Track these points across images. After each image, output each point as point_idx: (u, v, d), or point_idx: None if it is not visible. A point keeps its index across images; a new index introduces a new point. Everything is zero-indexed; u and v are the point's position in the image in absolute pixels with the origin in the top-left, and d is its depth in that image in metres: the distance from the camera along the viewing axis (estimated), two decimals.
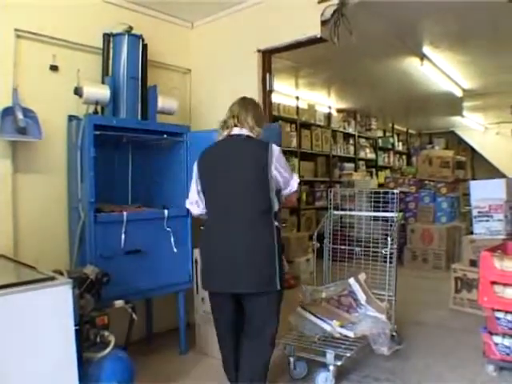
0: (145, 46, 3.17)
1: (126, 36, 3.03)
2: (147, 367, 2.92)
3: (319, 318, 2.82)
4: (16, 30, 2.83)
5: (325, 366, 2.66)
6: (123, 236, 2.81)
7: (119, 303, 2.38)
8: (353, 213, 3.62)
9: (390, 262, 3.04)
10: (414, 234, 6.29)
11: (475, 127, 10.31)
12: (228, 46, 3.64)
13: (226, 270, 2.22)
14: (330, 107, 7.81)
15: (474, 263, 4.08)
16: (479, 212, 4.22)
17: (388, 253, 3.02)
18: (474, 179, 6.97)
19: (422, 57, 4.98)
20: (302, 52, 3.53)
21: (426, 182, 6.82)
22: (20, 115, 2.71)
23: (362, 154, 8.83)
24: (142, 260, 2.90)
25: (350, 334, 2.76)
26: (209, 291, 2.45)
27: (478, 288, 2.99)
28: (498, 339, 2.82)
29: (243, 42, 3.48)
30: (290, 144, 6.49)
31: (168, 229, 3.05)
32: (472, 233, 4.39)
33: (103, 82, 3.02)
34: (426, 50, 4.80)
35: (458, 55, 5.02)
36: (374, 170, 9.20)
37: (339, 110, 8.20)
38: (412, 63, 5.16)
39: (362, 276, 3.22)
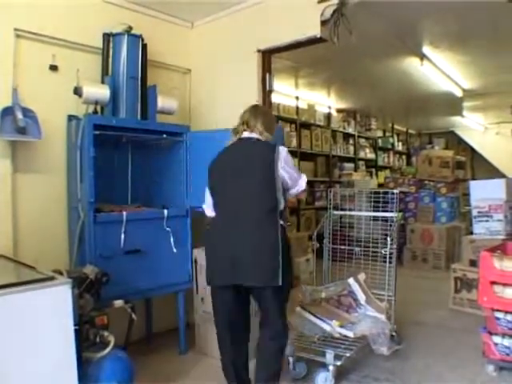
0: (144, 46, 3.17)
1: (126, 36, 3.03)
2: (147, 367, 2.92)
3: (319, 318, 2.82)
4: (16, 29, 2.83)
5: (324, 366, 2.67)
6: (123, 236, 2.81)
7: (119, 303, 2.38)
8: (352, 213, 3.62)
9: (390, 262, 3.04)
10: (414, 234, 6.29)
11: (475, 127, 10.30)
12: (228, 46, 3.63)
13: (230, 264, 2.24)
14: (329, 107, 7.81)
15: (473, 263, 4.08)
16: (479, 212, 4.22)
17: (388, 253, 3.02)
18: (473, 179, 6.96)
19: (422, 57, 4.98)
20: (301, 52, 3.53)
21: (426, 182, 6.82)
22: (20, 115, 2.71)
23: (361, 154, 8.83)
24: (142, 260, 2.90)
25: (350, 334, 2.75)
26: (211, 287, 2.44)
27: (477, 288, 2.99)
28: (497, 339, 2.82)
29: (243, 42, 3.48)
30: (289, 144, 6.49)
31: (168, 229, 3.05)
32: (472, 233, 4.39)
33: (103, 82, 3.02)
34: (426, 49, 4.80)
35: (457, 55, 5.02)
36: (373, 169, 9.20)
37: (339, 110, 8.20)
38: (412, 63, 5.16)
39: (362, 276, 3.22)
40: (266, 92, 3.44)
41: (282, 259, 2.21)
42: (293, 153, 6.55)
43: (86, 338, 2.07)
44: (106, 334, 2.12)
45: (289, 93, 6.64)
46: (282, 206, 2.32)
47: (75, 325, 1.85)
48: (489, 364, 2.85)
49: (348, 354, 2.73)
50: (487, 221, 4.17)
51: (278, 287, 2.23)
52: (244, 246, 2.23)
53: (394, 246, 3.06)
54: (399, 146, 10.63)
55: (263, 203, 2.26)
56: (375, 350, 2.80)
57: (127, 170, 3.41)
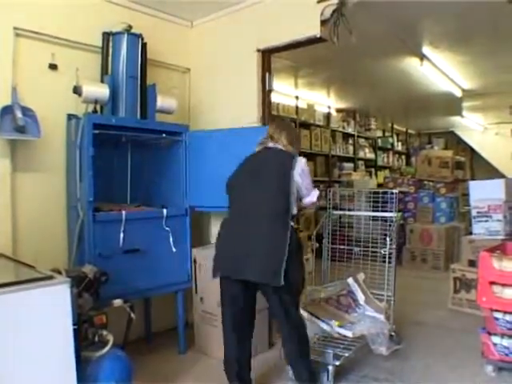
0: (144, 45, 3.16)
1: (126, 35, 3.02)
2: (145, 367, 2.91)
3: (318, 317, 2.82)
4: (15, 28, 2.83)
5: (323, 365, 2.66)
6: (122, 235, 2.80)
7: (118, 302, 2.38)
8: (352, 213, 3.62)
9: (389, 262, 3.04)
10: (413, 234, 6.29)
11: (474, 127, 10.31)
12: (227, 46, 3.63)
13: (238, 259, 2.32)
14: (329, 107, 7.81)
15: (472, 263, 4.08)
16: (478, 212, 4.22)
17: (387, 253, 3.03)
18: (473, 179, 6.97)
19: (422, 57, 4.98)
20: (301, 52, 3.52)
21: (425, 182, 6.82)
22: (19, 114, 2.70)
23: (361, 154, 8.83)
24: (141, 259, 2.90)
25: (349, 334, 2.75)
26: (220, 279, 2.47)
27: (476, 288, 2.99)
28: (496, 339, 2.82)
29: (243, 42, 3.48)
30: None
31: (167, 228, 3.05)
32: (471, 233, 4.39)
33: (102, 81, 3.02)
34: (426, 50, 4.80)
35: (457, 55, 5.02)
36: (373, 169, 9.20)
37: (338, 110, 8.20)
38: (412, 63, 5.16)
39: (361, 276, 3.23)
40: (266, 92, 3.44)
41: (289, 259, 2.26)
42: None
43: (84, 338, 2.07)
44: (104, 333, 2.12)
45: (288, 92, 6.64)
46: (294, 211, 2.39)
47: (74, 324, 1.85)
48: (488, 364, 2.85)
49: (347, 354, 2.73)
50: (486, 221, 4.17)
51: (282, 287, 2.26)
52: (253, 244, 2.31)
53: (394, 246, 3.06)
54: (399, 146, 10.63)
55: (276, 204, 2.35)
56: (374, 349, 2.80)
57: (126, 170, 3.40)
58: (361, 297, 3.09)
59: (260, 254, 2.29)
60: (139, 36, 3.11)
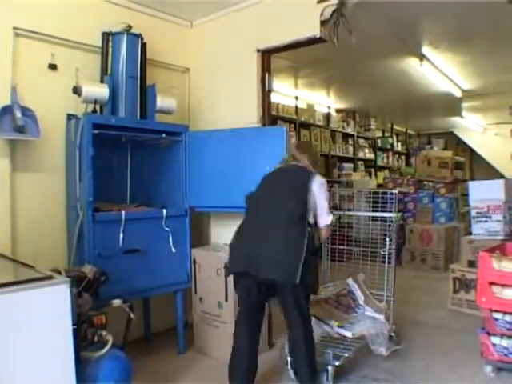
0: (144, 45, 3.16)
1: (125, 35, 3.02)
2: (145, 367, 2.91)
3: (318, 318, 2.82)
4: (15, 28, 2.82)
5: (323, 365, 2.66)
6: (121, 235, 2.80)
7: (117, 302, 2.38)
8: (351, 213, 3.62)
9: (389, 263, 3.05)
10: (413, 234, 6.29)
11: (474, 128, 10.31)
12: (227, 46, 3.63)
13: (253, 256, 2.38)
14: (329, 107, 7.82)
15: (472, 264, 4.08)
16: (478, 212, 4.22)
17: (386, 253, 3.03)
18: (472, 180, 6.98)
19: (422, 57, 4.98)
20: (301, 52, 3.52)
21: (425, 182, 6.82)
22: (18, 114, 2.70)
23: (360, 154, 8.83)
24: (141, 259, 2.90)
25: (349, 335, 2.76)
26: (234, 276, 2.52)
27: (476, 288, 2.99)
28: (495, 340, 2.82)
29: (242, 42, 3.48)
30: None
31: (167, 228, 3.05)
32: (470, 233, 4.39)
33: (102, 81, 3.02)
34: (426, 50, 4.80)
35: (457, 56, 5.02)
36: (372, 170, 9.21)
37: (338, 110, 8.21)
38: (411, 63, 5.16)
39: (361, 276, 3.22)
40: (266, 92, 3.44)
41: (305, 260, 2.30)
42: None
43: (84, 338, 2.07)
44: (104, 333, 2.12)
45: (288, 93, 6.64)
46: (311, 219, 2.46)
47: (73, 324, 1.85)
48: (487, 365, 2.85)
49: (347, 355, 2.73)
50: (486, 221, 4.17)
51: (299, 285, 2.30)
52: (269, 243, 2.37)
53: (393, 247, 3.07)
54: (398, 147, 10.63)
55: (293, 210, 2.42)
56: (374, 350, 2.80)
57: (126, 170, 3.40)
58: (360, 297, 3.09)
59: (276, 253, 2.35)
60: (139, 36, 3.11)
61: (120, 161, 3.38)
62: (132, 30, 3.06)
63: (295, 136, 6.70)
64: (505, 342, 2.79)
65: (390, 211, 3.20)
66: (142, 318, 3.42)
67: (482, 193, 4.25)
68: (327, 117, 7.73)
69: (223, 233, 3.59)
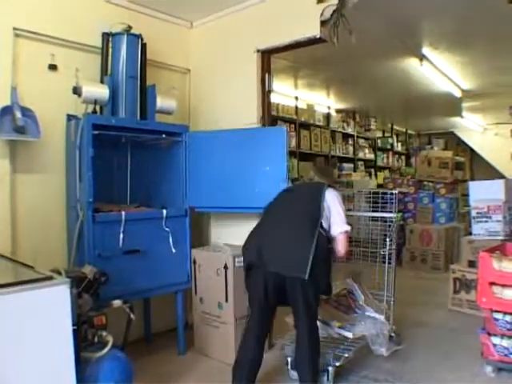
0: (144, 46, 3.16)
1: (125, 35, 3.02)
2: (145, 367, 2.91)
3: (318, 318, 2.81)
4: (15, 28, 2.82)
5: (323, 366, 2.66)
6: (121, 236, 2.80)
7: (117, 303, 2.38)
8: (352, 213, 3.61)
9: (389, 263, 3.05)
10: (413, 234, 6.29)
11: (474, 128, 10.32)
12: (227, 46, 3.63)
13: (265, 252, 2.42)
14: (329, 107, 7.82)
15: (472, 264, 4.08)
16: (478, 213, 4.22)
17: (386, 253, 3.03)
18: (472, 180, 6.97)
19: (422, 57, 4.98)
20: (301, 52, 3.53)
21: (425, 182, 6.82)
22: (18, 114, 2.70)
23: (360, 155, 8.82)
24: (141, 260, 2.90)
25: (349, 335, 2.75)
26: (247, 270, 2.53)
27: (476, 289, 2.99)
28: (496, 340, 2.82)
29: (242, 42, 3.48)
30: (288, 144, 6.48)
31: (167, 229, 3.05)
32: (471, 233, 4.39)
33: (102, 82, 3.01)
34: (426, 50, 4.80)
35: (457, 56, 5.02)
36: (372, 170, 9.20)
37: (338, 111, 8.20)
38: (411, 64, 5.17)
39: (361, 276, 3.22)
40: (266, 92, 3.44)
41: (315, 259, 2.33)
42: (292, 153, 6.57)
43: (84, 338, 2.07)
44: (104, 333, 2.11)
45: (288, 93, 6.64)
46: (325, 224, 2.50)
47: (73, 325, 1.85)
48: (487, 365, 2.85)
49: (347, 355, 2.73)
50: (486, 221, 4.17)
51: (310, 282, 2.32)
52: (280, 240, 2.43)
53: (393, 247, 3.07)
54: (398, 147, 10.63)
55: (307, 210, 2.51)
56: (374, 350, 2.80)
57: (126, 170, 3.40)
58: (360, 297, 3.09)
59: (286, 249, 2.39)
60: (139, 36, 3.11)
61: (120, 161, 3.38)
62: (132, 31, 3.05)
63: (295, 137, 6.71)
64: (505, 343, 2.79)
65: (390, 211, 3.20)
66: (142, 318, 3.42)
67: (482, 193, 4.25)
68: (327, 117, 7.72)
69: (223, 233, 3.60)
